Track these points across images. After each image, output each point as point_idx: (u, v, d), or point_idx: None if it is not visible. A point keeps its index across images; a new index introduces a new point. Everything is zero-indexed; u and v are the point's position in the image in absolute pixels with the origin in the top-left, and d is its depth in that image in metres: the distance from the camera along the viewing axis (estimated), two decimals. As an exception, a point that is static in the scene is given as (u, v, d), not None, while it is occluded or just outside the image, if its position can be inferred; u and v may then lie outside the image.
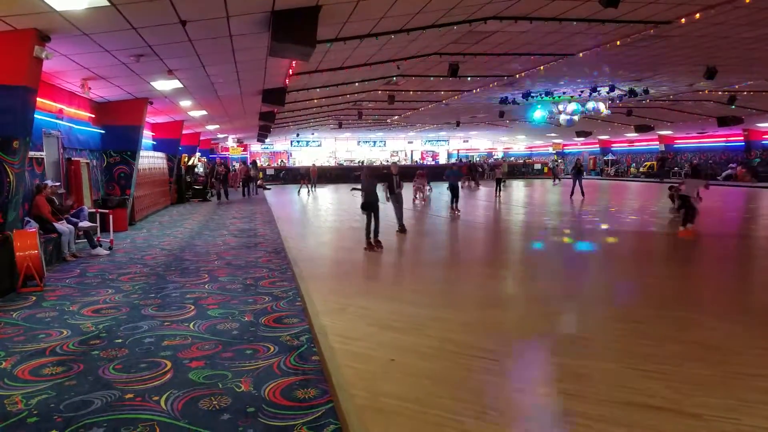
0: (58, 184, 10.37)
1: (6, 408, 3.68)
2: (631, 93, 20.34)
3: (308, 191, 29.40)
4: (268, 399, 3.77)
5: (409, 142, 53.05)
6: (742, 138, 34.01)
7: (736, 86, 19.26)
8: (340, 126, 33.40)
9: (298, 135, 44.65)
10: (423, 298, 6.92)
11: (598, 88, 20.24)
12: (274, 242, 11.16)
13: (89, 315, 5.96)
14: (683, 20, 10.35)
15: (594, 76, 17.91)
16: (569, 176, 44.79)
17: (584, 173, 26.51)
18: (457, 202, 17.14)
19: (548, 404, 3.83)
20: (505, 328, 5.71)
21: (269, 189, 32.48)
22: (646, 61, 14.89)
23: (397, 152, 53.33)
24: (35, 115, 7.93)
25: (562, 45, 12.77)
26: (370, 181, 10.68)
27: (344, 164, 46.99)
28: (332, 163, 48.13)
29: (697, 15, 9.98)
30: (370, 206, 10.38)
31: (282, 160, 49.06)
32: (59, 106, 10.63)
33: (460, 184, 22.36)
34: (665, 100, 23.41)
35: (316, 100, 20.45)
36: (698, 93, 21.09)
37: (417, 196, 21.55)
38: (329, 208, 20.81)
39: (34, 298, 6.77)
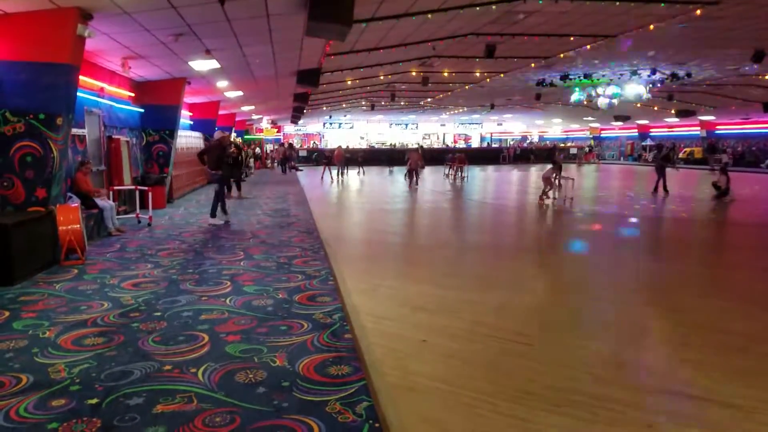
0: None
1: (50, 376, 3.80)
2: (674, 77, 19.71)
3: (332, 177, 25.36)
4: (303, 374, 3.81)
5: (441, 125, 52.65)
6: (789, 124, 32.74)
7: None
8: (372, 108, 33.35)
9: (330, 117, 44.73)
10: (456, 280, 6.90)
11: (639, 71, 19.68)
12: (307, 222, 11.25)
13: (129, 288, 6.11)
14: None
15: (635, 59, 17.41)
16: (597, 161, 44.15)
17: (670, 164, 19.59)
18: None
19: (583, 389, 3.79)
20: (540, 313, 5.65)
21: (301, 170, 32.79)
22: (690, 44, 14.39)
23: (429, 135, 53.05)
24: (77, 93, 8.09)
25: (603, 26, 12.44)
26: None
27: (375, 146, 46.89)
28: (364, 145, 48.05)
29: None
30: None
31: (314, 142, 49.26)
32: (101, 84, 10.83)
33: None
34: (709, 85, 22.64)
35: (349, 82, 20.40)
36: (744, 77, 20.34)
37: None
38: (361, 191, 20.84)
39: (76, 270, 6.97)
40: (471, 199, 17.42)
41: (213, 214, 11.05)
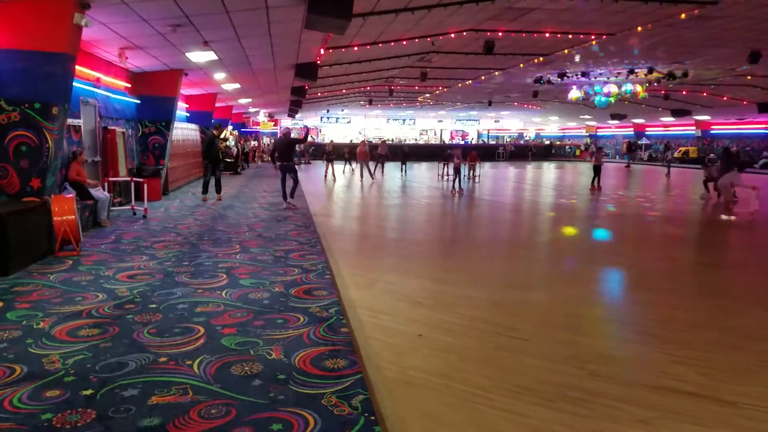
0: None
1: (44, 367, 3.78)
2: (670, 76, 19.76)
3: (333, 174, 22.82)
4: (299, 367, 3.81)
5: (439, 121, 52.66)
6: (784, 125, 32.86)
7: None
8: (370, 103, 33.30)
9: (328, 111, 44.65)
10: (455, 276, 6.91)
11: (636, 70, 19.71)
12: (304, 216, 11.23)
13: (124, 280, 6.08)
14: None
15: (633, 57, 17.43)
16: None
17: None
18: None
19: (577, 385, 3.80)
20: (536, 309, 5.66)
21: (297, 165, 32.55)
22: (688, 43, 14.42)
23: (426, 131, 53.08)
24: (74, 83, 8.04)
25: (603, 24, 12.44)
26: None
27: (373, 141, 46.82)
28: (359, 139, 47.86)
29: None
30: None
31: (312, 136, 49.17)
32: (97, 74, 10.75)
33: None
34: (705, 85, 22.70)
35: (347, 76, 20.34)
36: (740, 78, 20.41)
37: None
38: (358, 185, 20.80)
39: (70, 261, 6.94)
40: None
41: (291, 195, 12.92)
